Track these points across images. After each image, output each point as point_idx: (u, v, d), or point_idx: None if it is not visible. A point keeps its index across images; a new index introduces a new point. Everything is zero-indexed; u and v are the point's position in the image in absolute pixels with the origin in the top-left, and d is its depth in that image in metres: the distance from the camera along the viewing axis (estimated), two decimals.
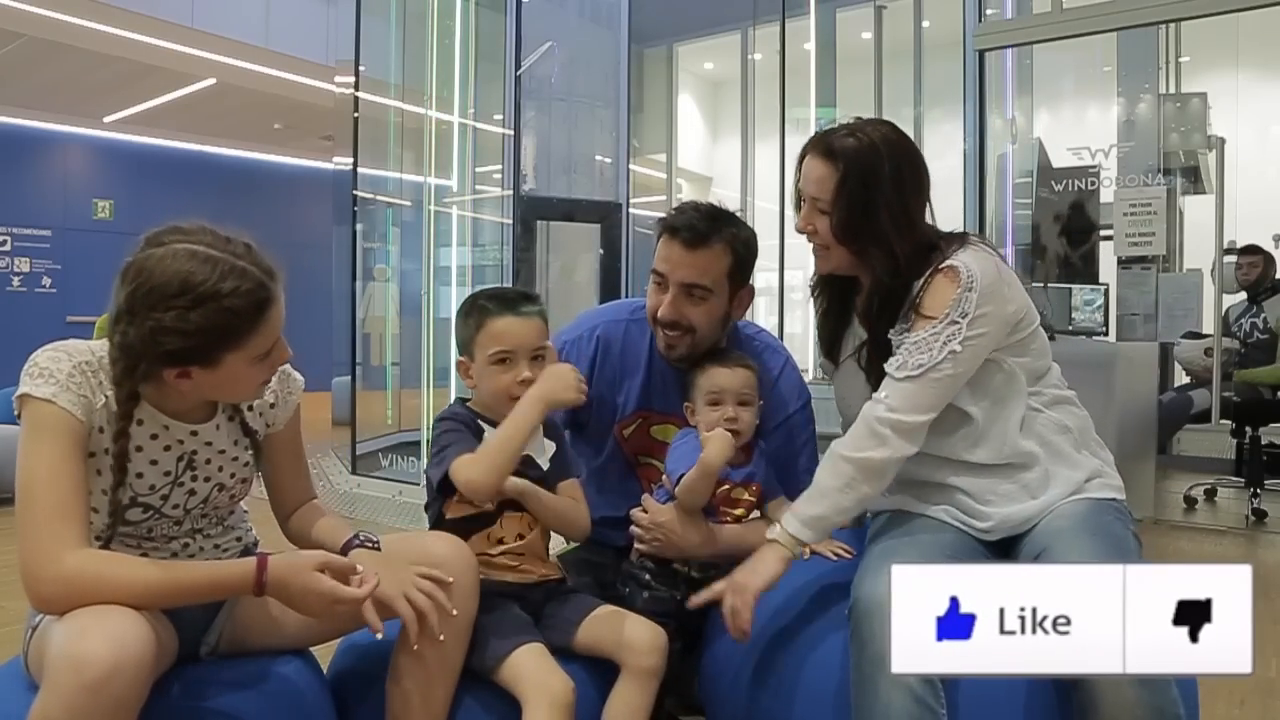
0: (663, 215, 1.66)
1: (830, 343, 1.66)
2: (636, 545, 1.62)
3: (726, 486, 1.64)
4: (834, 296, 1.64)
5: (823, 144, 1.49)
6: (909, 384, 1.39)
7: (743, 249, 1.64)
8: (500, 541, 1.48)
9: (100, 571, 1.08)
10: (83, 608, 1.05)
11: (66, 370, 1.16)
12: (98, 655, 0.98)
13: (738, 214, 1.67)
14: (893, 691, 1.19)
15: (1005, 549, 1.46)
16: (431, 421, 5.64)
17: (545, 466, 1.53)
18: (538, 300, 1.55)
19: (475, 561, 1.36)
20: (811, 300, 1.69)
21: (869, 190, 1.45)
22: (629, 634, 1.45)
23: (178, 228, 1.19)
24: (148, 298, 1.13)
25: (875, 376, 1.48)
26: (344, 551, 1.30)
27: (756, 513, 1.72)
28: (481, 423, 1.51)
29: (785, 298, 6.01)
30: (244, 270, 1.17)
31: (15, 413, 1.16)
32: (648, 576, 1.63)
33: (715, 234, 1.60)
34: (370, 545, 1.32)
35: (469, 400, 1.57)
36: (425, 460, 5.25)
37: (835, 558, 1.57)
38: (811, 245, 1.55)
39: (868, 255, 1.48)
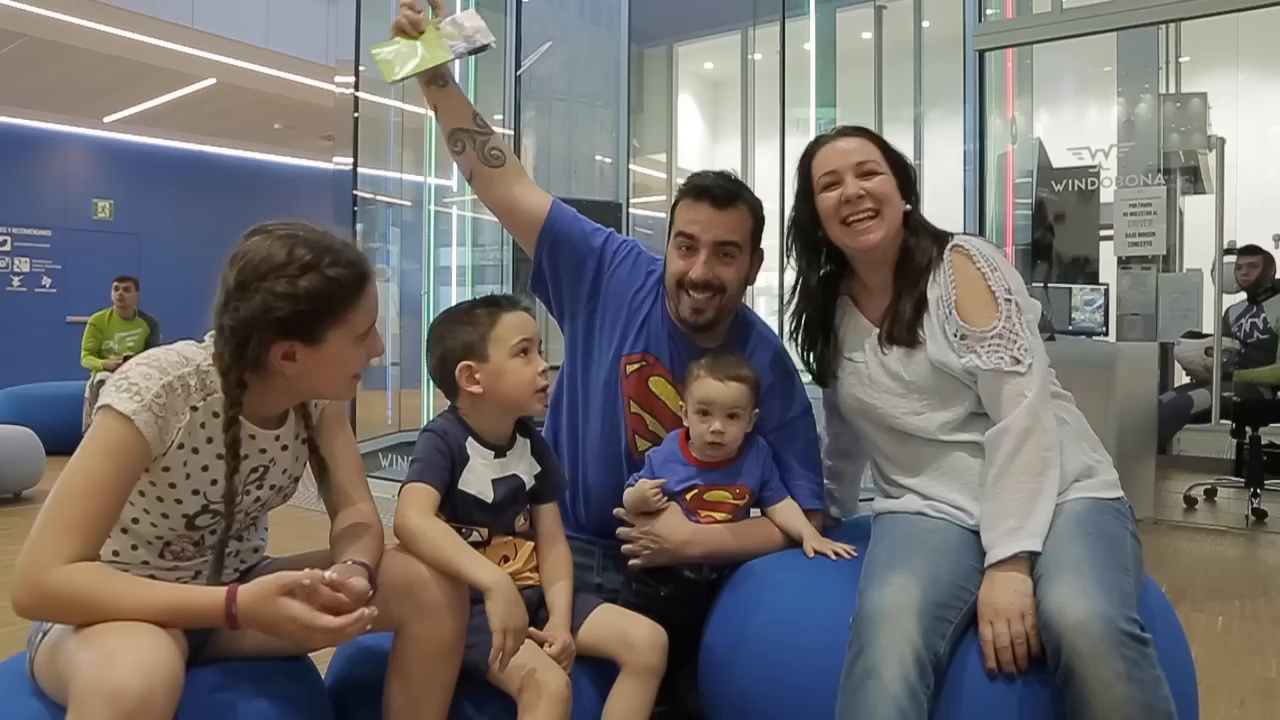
0: (683, 185, 1.67)
1: (826, 363, 1.68)
2: (631, 563, 1.62)
3: (697, 489, 1.64)
4: (817, 320, 1.67)
5: (840, 132, 1.61)
6: (1033, 370, 1.45)
7: (760, 211, 1.68)
8: None
9: (77, 592, 1.08)
10: (112, 627, 1.06)
11: (154, 390, 1.16)
12: (130, 686, 0.98)
13: None
14: (879, 701, 1.19)
15: None
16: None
17: (529, 485, 1.54)
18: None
19: (457, 579, 1.33)
20: (795, 337, 1.70)
21: (899, 153, 1.58)
22: (629, 633, 1.45)
23: (273, 222, 1.25)
24: (258, 269, 1.18)
25: (906, 339, 1.53)
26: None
27: (756, 511, 1.72)
28: (471, 439, 1.49)
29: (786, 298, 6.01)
30: (343, 247, 1.24)
31: (88, 422, 1.19)
32: (637, 571, 1.63)
33: (740, 195, 1.64)
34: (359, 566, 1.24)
35: (460, 407, 1.53)
36: None
37: (836, 557, 1.57)
38: (851, 222, 1.53)
39: (913, 209, 1.58)
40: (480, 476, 1.47)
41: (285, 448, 1.34)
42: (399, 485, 1.47)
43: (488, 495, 1.48)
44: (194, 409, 1.20)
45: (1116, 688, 1.13)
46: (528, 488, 1.53)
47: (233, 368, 1.20)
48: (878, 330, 1.58)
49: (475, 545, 1.47)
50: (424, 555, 1.31)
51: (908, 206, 1.58)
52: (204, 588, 1.15)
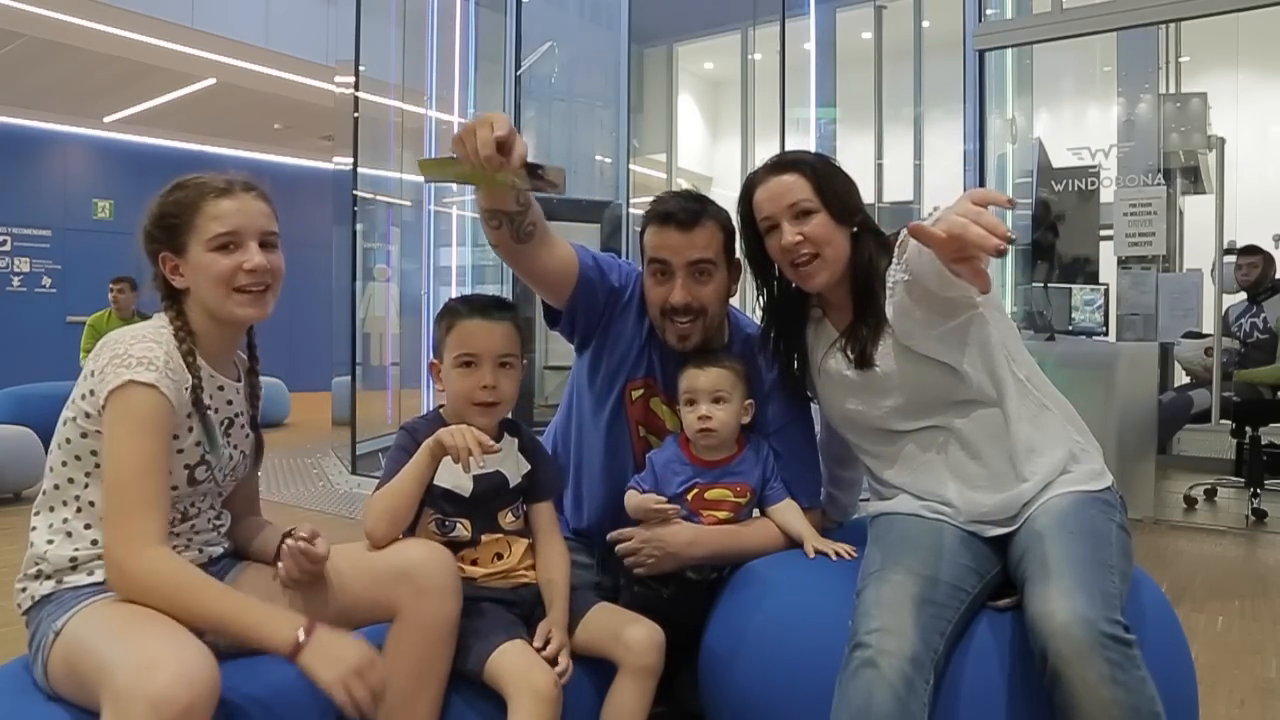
0: (648, 210, 1.66)
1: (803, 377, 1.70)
2: (636, 571, 1.61)
3: (698, 488, 1.64)
4: (787, 337, 1.67)
5: (771, 168, 1.59)
6: None
7: (729, 223, 1.68)
8: (474, 563, 1.47)
9: (166, 581, 1.15)
10: (148, 629, 1.10)
11: (162, 359, 1.24)
12: (176, 696, 1.00)
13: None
14: (875, 687, 1.20)
15: (1005, 546, 1.46)
16: None
17: (514, 483, 1.53)
18: (513, 308, 1.55)
19: (453, 564, 1.37)
20: (773, 355, 1.69)
21: (837, 174, 1.57)
22: (626, 633, 1.44)
23: None
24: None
25: (863, 361, 1.54)
26: (278, 555, 1.37)
27: (757, 511, 1.72)
28: None
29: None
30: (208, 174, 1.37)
31: (100, 404, 1.20)
32: (640, 572, 1.63)
33: (704, 212, 1.63)
34: (302, 539, 1.33)
35: (444, 405, 1.55)
36: None
37: (837, 558, 1.57)
38: (797, 268, 1.55)
39: (861, 234, 1.56)
40: (455, 471, 1.46)
41: (241, 409, 1.42)
42: None
43: (465, 489, 1.47)
44: (184, 359, 1.29)
45: (1101, 690, 1.14)
46: (512, 485, 1.52)
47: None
48: (842, 340, 1.60)
49: (461, 542, 1.47)
50: (368, 527, 1.39)
51: (854, 229, 1.56)
52: (277, 616, 1.17)
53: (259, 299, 1.33)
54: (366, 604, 1.33)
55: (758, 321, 1.82)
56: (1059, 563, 1.27)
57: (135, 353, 1.22)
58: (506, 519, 1.52)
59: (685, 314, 1.63)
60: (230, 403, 1.38)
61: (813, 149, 5.80)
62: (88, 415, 1.23)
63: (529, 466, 1.55)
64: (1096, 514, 1.40)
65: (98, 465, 1.25)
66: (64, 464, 1.26)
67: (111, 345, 1.24)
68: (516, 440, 1.57)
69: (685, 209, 1.61)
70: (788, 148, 5.58)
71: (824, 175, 1.55)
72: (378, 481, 1.46)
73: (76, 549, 1.24)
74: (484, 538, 1.49)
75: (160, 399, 1.21)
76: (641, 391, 1.75)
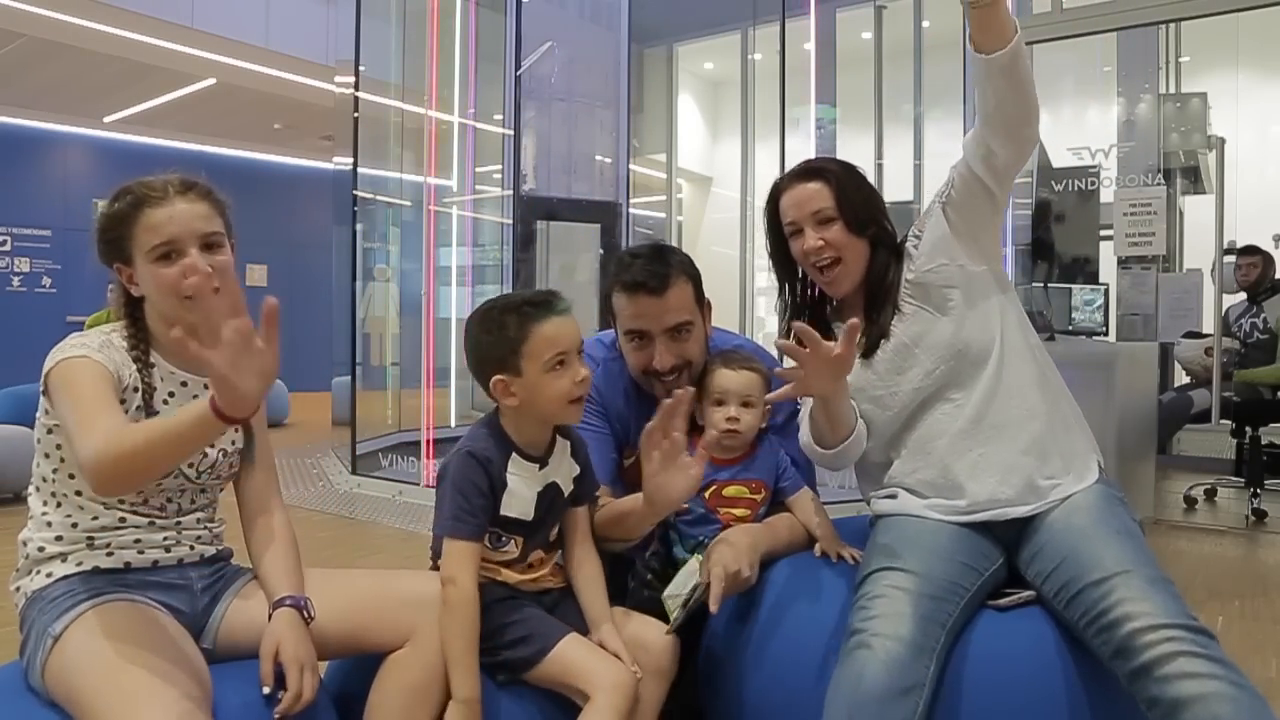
0: (613, 277, 1.65)
1: None
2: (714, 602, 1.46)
3: (715, 485, 1.64)
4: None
5: (798, 175, 1.62)
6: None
7: (694, 271, 1.68)
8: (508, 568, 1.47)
9: (118, 451, 1.08)
10: (135, 669, 1.11)
11: (96, 344, 1.26)
12: None
13: (664, 241, 1.70)
14: (868, 664, 1.22)
15: (1012, 546, 1.46)
16: (441, 425, 5.65)
17: (567, 492, 1.49)
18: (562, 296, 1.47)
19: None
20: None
21: (859, 185, 1.61)
22: (640, 634, 1.44)
23: None
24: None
25: (879, 334, 1.58)
26: (273, 609, 1.30)
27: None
28: (515, 455, 1.43)
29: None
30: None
31: (42, 389, 1.25)
32: (650, 576, 1.63)
33: (672, 271, 1.62)
34: (302, 611, 1.29)
35: (501, 415, 1.46)
36: (425, 460, 5.24)
37: (839, 560, 1.57)
38: (820, 271, 1.59)
39: (879, 240, 1.60)
40: (521, 497, 1.43)
41: None
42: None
43: (528, 514, 1.44)
44: (131, 371, 1.28)
45: (1209, 683, 1.13)
46: (566, 494, 1.49)
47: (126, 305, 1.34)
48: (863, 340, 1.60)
49: (508, 561, 1.46)
50: (442, 628, 1.32)
51: (871, 232, 1.59)
52: (192, 405, 1.08)
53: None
54: (386, 626, 1.33)
55: (748, 337, 1.84)
56: (1120, 563, 1.28)
57: (71, 341, 1.26)
58: (552, 533, 1.51)
59: (671, 373, 1.65)
60: (198, 397, 1.34)
61: (813, 149, 5.82)
62: (46, 411, 1.28)
63: (578, 469, 1.52)
64: (1122, 511, 1.42)
65: (64, 460, 1.29)
66: (37, 465, 1.32)
67: (60, 343, 1.27)
68: (569, 443, 1.52)
69: (654, 274, 1.60)
70: (788, 148, 5.58)
71: (845, 185, 1.59)
72: (443, 515, 1.38)
73: (58, 535, 1.28)
74: (530, 555, 1.47)
75: (94, 364, 1.22)
76: (633, 460, 1.75)
